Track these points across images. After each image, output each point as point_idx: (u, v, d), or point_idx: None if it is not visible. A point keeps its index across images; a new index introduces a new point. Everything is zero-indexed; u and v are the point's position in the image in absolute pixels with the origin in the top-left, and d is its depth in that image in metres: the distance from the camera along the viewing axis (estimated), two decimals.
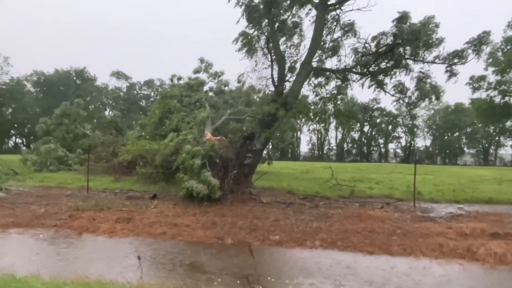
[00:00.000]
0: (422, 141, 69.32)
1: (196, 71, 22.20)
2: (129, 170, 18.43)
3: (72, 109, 28.39)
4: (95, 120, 39.83)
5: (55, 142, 24.29)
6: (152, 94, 65.26)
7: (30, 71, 61.83)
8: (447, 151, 68.22)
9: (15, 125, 61.06)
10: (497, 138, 64.87)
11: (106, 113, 58.66)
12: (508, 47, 39.61)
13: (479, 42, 13.33)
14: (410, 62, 14.11)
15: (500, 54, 39.93)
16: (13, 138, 66.44)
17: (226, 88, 22.40)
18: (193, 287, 5.00)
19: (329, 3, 14.36)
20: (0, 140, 60.82)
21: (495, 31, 14.02)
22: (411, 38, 13.34)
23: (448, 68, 13.79)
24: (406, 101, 15.03)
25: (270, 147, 25.25)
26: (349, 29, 14.89)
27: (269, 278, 6.05)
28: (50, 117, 28.21)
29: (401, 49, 13.83)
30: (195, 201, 11.94)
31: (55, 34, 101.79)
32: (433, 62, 13.92)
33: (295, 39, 14.97)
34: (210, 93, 22.28)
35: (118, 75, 65.72)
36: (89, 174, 16.08)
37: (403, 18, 13.51)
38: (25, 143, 60.04)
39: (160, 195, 13.81)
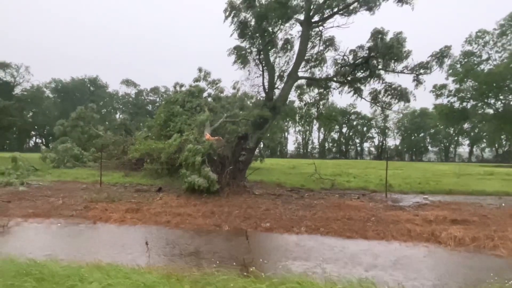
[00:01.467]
0: (393, 141, 70.18)
1: (196, 80, 22.20)
2: (138, 166, 18.30)
3: (86, 112, 28.08)
4: (107, 123, 39.46)
5: (71, 142, 23.98)
6: (158, 99, 64.85)
7: (49, 79, 60.96)
8: (414, 149, 69.09)
9: (35, 127, 60.20)
10: (456, 138, 65.97)
11: (117, 116, 58.14)
12: (466, 60, 40.26)
13: (441, 55, 13.49)
14: (382, 72, 14.23)
15: (458, 66, 40.56)
16: (34, 138, 65.46)
17: (223, 94, 22.38)
18: (195, 268, 4.96)
19: (312, 20, 14.41)
20: (21, 140, 59.85)
21: (454, 45, 14.20)
22: (383, 52, 13.45)
23: (416, 78, 13.93)
24: (381, 104, 15.16)
25: (262, 146, 25.24)
26: (330, 43, 15.00)
27: (261, 260, 6.03)
28: (67, 119, 27.87)
29: (375, 61, 13.93)
30: (196, 194, 11.87)
31: (72, 46, 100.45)
32: (402, 72, 14.05)
33: (284, 51, 14.99)
34: (209, 99, 22.22)
35: (127, 82, 65.18)
36: (102, 170, 15.89)
37: (377, 33, 13.62)
38: (44, 143, 59.20)
39: (165, 188, 13.71)
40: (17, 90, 54.19)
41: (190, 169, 12.42)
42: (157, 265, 5.45)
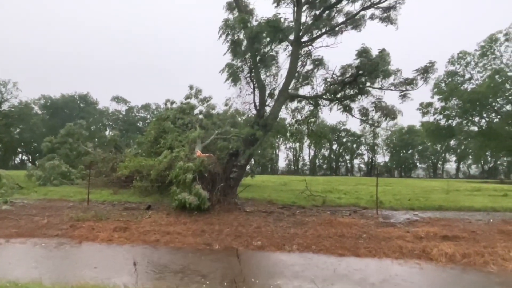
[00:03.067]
0: (382, 157, 70.98)
1: (187, 97, 22.27)
2: (127, 184, 17.94)
3: (75, 129, 27.69)
4: (96, 139, 38.91)
5: (59, 159, 23.47)
6: (149, 116, 64.62)
7: (39, 96, 60.31)
8: (403, 166, 69.94)
9: (22, 144, 58.91)
10: (443, 154, 67.19)
11: (107, 133, 57.43)
12: (450, 79, 41.63)
13: (425, 71, 13.87)
14: (370, 89, 14.54)
15: (443, 85, 41.86)
16: (20, 155, 63.88)
17: (214, 111, 22.43)
18: None
19: (302, 40, 14.78)
20: (7, 157, 58.41)
21: (439, 64, 14.65)
22: (370, 69, 13.79)
23: (402, 93, 14.27)
24: (370, 122, 15.40)
25: (253, 162, 25.18)
26: (319, 63, 15.34)
27: (253, 279, 5.90)
28: (55, 136, 27.39)
29: (363, 78, 14.26)
30: (186, 211, 11.67)
31: (64, 63, 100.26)
32: (389, 88, 14.38)
33: (274, 70, 15.23)
34: (200, 116, 22.23)
35: (118, 99, 64.91)
36: (90, 187, 15.53)
37: (363, 52, 14.00)
38: (30, 160, 57.88)
39: (154, 206, 13.44)
40: (4, 106, 53.34)
41: (180, 187, 12.25)
42: (146, 286, 5.27)
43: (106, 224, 10.34)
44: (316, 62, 15.35)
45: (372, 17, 14.89)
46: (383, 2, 14.36)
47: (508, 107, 40.77)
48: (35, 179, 21.16)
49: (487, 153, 55.04)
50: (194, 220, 10.91)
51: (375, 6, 14.54)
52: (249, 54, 13.90)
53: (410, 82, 14.00)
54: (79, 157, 25.81)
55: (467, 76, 41.70)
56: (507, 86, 38.59)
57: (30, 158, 59.54)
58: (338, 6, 14.98)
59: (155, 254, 8.04)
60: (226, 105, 20.09)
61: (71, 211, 12.42)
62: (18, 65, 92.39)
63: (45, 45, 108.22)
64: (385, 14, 14.57)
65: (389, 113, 14.42)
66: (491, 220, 11.24)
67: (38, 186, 19.72)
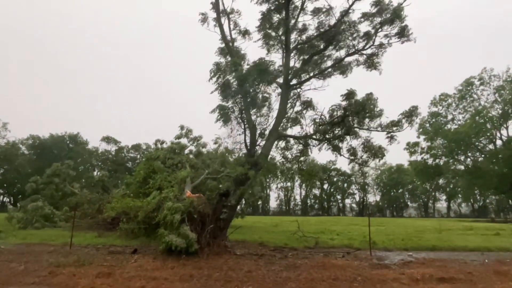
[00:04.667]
0: (373, 197, 70.88)
1: (178, 137, 22.43)
2: (113, 226, 17.30)
3: (62, 169, 27.14)
4: (83, 180, 38.02)
5: (43, 200, 22.69)
6: (138, 156, 64.16)
7: (27, 136, 59.72)
8: (394, 205, 69.77)
9: (5, 185, 57.01)
10: (433, 193, 67.61)
11: (95, 173, 56.39)
12: (434, 119, 43.30)
13: (410, 114, 14.45)
14: (358, 129, 14.95)
15: (428, 125, 43.42)
16: (1, 197, 61.50)
17: (204, 150, 22.49)
18: None
19: (291, 83, 15.42)
20: None
21: (422, 106, 15.35)
22: (357, 111, 14.29)
23: (389, 135, 14.69)
24: (359, 162, 15.63)
25: (243, 203, 24.78)
26: (308, 105, 15.90)
27: None
28: (41, 177, 26.71)
29: (350, 119, 14.71)
30: (174, 255, 11.16)
31: (56, 104, 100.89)
32: (375, 129, 14.82)
33: (264, 111, 15.65)
34: (190, 156, 22.21)
35: (108, 139, 64.67)
36: (74, 230, 14.85)
37: (350, 94, 14.61)
38: (12, 202, 55.68)
39: (140, 249, 12.85)
40: None
41: (168, 228, 11.84)
42: None
43: (88, 270, 9.76)
44: (305, 104, 15.91)
45: (357, 63, 15.77)
46: (366, 49, 15.32)
47: (490, 146, 42.21)
48: (15, 222, 20.23)
49: (475, 191, 55.69)
50: (182, 264, 10.41)
51: (359, 53, 15.47)
52: (239, 95, 14.33)
53: (395, 124, 14.52)
54: (64, 198, 25.04)
55: (450, 117, 43.59)
56: (488, 126, 40.30)
57: (12, 200, 57.36)
58: (325, 52, 15.90)
59: None
60: (216, 143, 20.29)
61: (51, 256, 11.74)
62: (10, 105, 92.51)
63: (39, 85, 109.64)
64: (369, 60, 15.47)
65: (377, 152, 14.74)
66: (486, 261, 11.07)
67: (18, 230, 18.79)
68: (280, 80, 15.26)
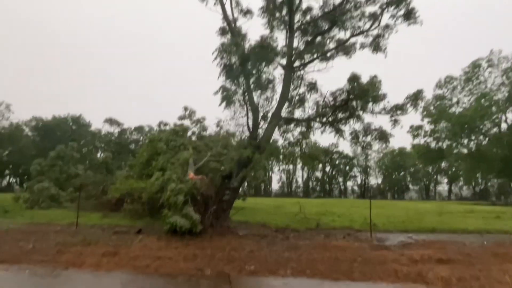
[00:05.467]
0: (374, 179, 71.22)
1: (181, 118, 22.41)
2: (117, 207, 17.60)
3: (66, 151, 27.37)
4: (87, 162, 38.39)
5: (49, 181, 23.00)
6: (141, 138, 64.30)
7: (30, 117, 59.83)
8: (396, 188, 70.17)
9: (10, 166, 57.71)
10: (435, 176, 67.80)
11: (98, 155, 56.80)
12: (438, 102, 42.79)
13: (415, 98, 14.30)
14: (361, 113, 14.85)
15: (432, 108, 42.96)
16: (7, 177, 62.41)
17: (207, 133, 22.54)
18: None
19: (294, 65, 15.18)
20: None
21: (427, 88, 15.17)
22: (361, 94, 14.15)
23: (393, 118, 14.59)
24: (362, 145, 15.63)
25: (246, 185, 25.03)
26: (312, 87, 15.71)
27: None
28: (45, 158, 26.97)
29: (354, 103, 14.58)
30: (178, 235, 11.41)
31: (59, 85, 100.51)
32: (379, 113, 14.71)
33: (267, 93, 15.51)
34: (193, 138, 22.27)
35: (111, 121, 64.68)
36: (79, 210, 15.16)
37: (353, 78, 14.41)
38: (18, 183, 56.55)
39: (145, 230, 13.13)
40: None
41: (172, 210, 12.04)
42: None
43: (94, 249, 10.02)
44: (309, 87, 15.72)
45: (362, 46, 15.45)
46: (372, 30, 14.98)
47: (495, 129, 41.87)
48: (22, 202, 20.62)
49: (477, 175, 55.77)
50: (186, 244, 10.65)
51: (365, 34, 15.13)
52: (242, 77, 14.17)
53: (400, 108, 14.38)
54: (69, 179, 25.37)
55: (454, 99, 43.03)
56: (494, 109, 39.82)
57: (18, 180, 58.23)
58: (330, 33, 15.55)
59: (145, 279, 7.77)
60: (218, 126, 20.27)
61: (58, 235, 12.04)
62: (12, 86, 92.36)
63: (41, 66, 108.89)
64: (374, 42, 15.14)
65: (381, 136, 14.68)
66: (485, 243, 11.22)
67: (25, 210, 19.18)
68: (283, 61, 15.03)
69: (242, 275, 8.26)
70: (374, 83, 14.02)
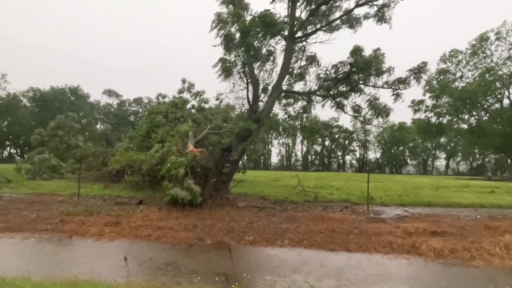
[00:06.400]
0: (373, 154, 71.61)
1: (180, 91, 22.08)
2: (118, 178, 17.78)
3: (66, 122, 27.23)
4: (87, 133, 38.31)
5: (49, 152, 23.08)
6: (140, 110, 63.86)
7: (27, 88, 58.98)
8: (394, 162, 70.69)
9: (10, 137, 57.70)
10: (433, 151, 68.13)
11: (98, 126, 56.61)
12: (441, 77, 42.06)
13: (418, 71, 14.01)
14: (363, 86, 14.61)
15: (435, 82, 42.28)
16: (8, 148, 62.61)
17: (206, 105, 22.29)
18: (175, 284, 4.80)
19: (296, 36, 14.73)
20: None
21: (431, 62, 14.84)
22: (363, 67, 13.84)
23: (394, 92, 14.39)
24: (362, 119, 15.51)
25: (245, 158, 25.17)
26: (312, 60, 15.34)
27: (244, 274, 5.92)
28: (45, 129, 26.88)
29: (356, 76, 14.31)
30: (178, 206, 11.63)
31: (57, 56, 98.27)
32: (382, 87, 14.48)
33: (268, 65, 15.17)
34: (193, 110, 22.08)
35: (109, 93, 63.91)
36: (80, 182, 15.34)
37: (356, 50, 14.04)
38: (19, 153, 56.83)
39: (145, 201, 13.36)
40: None
41: (172, 182, 12.18)
42: (137, 281, 5.25)
43: (97, 219, 10.25)
44: (310, 59, 15.36)
45: (366, 16, 14.90)
46: None
47: (497, 105, 41.51)
48: (24, 173, 20.83)
49: (475, 150, 56.05)
50: (186, 215, 10.88)
51: (370, 3, 14.55)
52: (242, 48, 13.79)
53: (403, 81, 14.13)
54: (69, 150, 25.46)
55: (458, 74, 42.24)
56: (497, 84, 39.23)
57: (19, 151, 58.50)
58: (334, 2, 14.94)
59: (146, 249, 8.01)
60: (218, 99, 20.02)
61: (61, 205, 12.28)
62: (7, 57, 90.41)
63: (37, 38, 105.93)
64: (380, 13, 14.59)
65: (381, 111, 14.55)
66: (479, 216, 11.47)
67: (27, 180, 19.42)
68: (285, 32, 14.55)
69: (241, 245, 8.52)
70: (377, 55, 13.69)
